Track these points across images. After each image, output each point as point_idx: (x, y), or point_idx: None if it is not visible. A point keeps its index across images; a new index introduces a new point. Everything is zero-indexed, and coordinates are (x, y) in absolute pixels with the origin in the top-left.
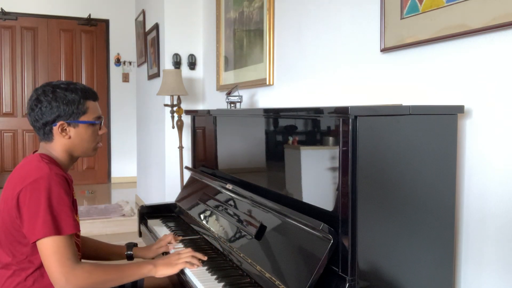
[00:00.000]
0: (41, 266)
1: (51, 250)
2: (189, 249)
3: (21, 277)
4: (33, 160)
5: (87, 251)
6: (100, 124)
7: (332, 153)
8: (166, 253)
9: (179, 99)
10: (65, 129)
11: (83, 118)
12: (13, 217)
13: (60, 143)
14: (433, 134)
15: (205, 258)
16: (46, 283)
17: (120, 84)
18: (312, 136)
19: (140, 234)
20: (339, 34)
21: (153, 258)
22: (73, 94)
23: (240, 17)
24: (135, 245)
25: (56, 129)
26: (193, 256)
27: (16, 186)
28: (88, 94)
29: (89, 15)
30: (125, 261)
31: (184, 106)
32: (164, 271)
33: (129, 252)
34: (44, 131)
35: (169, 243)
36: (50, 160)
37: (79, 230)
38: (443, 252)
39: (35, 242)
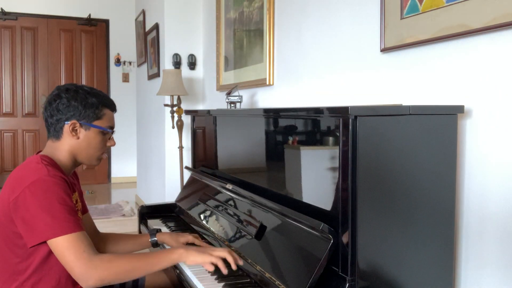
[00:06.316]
0: (38, 271)
1: (64, 247)
2: (227, 248)
3: (18, 281)
4: (32, 161)
5: (113, 247)
6: (111, 134)
7: (332, 153)
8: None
9: (179, 99)
10: (76, 129)
11: (96, 123)
12: (10, 219)
13: (67, 143)
14: (433, 134)
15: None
16: None
17: (120, 84)
18: (312, 136)
19: None
20: (339, 34)
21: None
22: (94, 98)
23: (240, 17)
24: (159, 230)
25: (67, 127)
26: (229, 254)
27: (14, 188)
28: (108, 102)
29: (89, 15)
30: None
31: (184, 106)
32: (196, 257)
33: (153, 239)
34: (55, 127)
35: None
36: (50, 162)
37: (83, 229)
38: (443, 252)
39: (34, 246)
